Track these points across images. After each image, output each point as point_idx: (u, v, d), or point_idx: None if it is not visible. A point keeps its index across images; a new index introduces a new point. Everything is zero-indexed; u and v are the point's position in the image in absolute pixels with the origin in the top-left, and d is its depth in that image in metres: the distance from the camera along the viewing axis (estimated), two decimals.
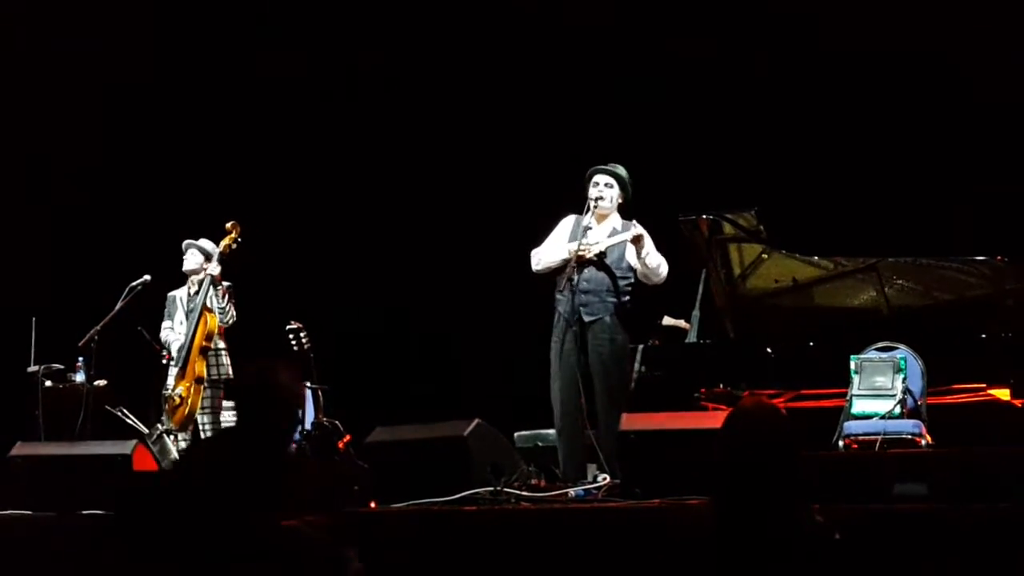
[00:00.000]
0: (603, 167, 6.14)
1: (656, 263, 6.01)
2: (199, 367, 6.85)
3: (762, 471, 2.79)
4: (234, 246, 7.02)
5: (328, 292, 8.69)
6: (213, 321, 6.90)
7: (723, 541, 2.80)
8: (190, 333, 6.87)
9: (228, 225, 7.04)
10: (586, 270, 6.00)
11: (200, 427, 6.92)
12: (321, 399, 7.22)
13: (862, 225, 7.54)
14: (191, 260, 7.09)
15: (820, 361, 6.27)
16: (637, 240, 5.94)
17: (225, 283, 7.04)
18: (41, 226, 8.90)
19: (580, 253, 5.95)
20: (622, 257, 6.06)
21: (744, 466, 2.81)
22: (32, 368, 7.71)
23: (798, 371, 6.28)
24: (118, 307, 7.21)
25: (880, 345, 6.11)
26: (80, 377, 7.65)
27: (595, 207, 6.06)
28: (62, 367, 7.78)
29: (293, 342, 7.18)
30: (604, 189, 6.11)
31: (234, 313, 7.01)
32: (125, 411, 7.66)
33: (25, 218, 8.87)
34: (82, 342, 7.28)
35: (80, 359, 7.61)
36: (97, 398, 7.50)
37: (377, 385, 8.39)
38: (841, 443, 5.82)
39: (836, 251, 6.61)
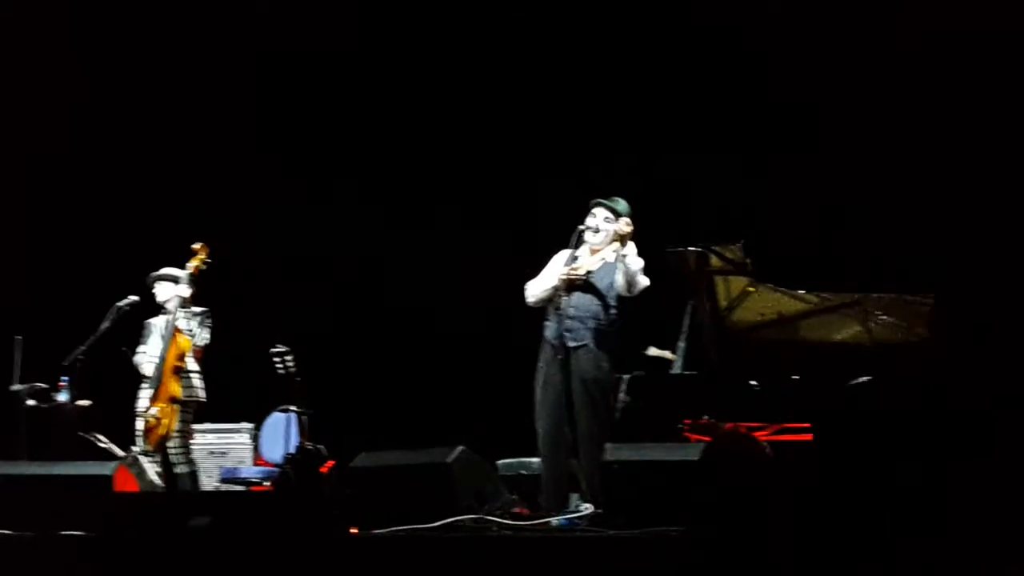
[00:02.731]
0: (605, 201, 6.15)
1: (636, 267, 5.99)
2: (173, 387, 6.85)
3: (740, 501, 2.81)
4: (203, 267, 7.03)
5: (313, 316, 8.69)
6: (185, 342, 6.91)
7: (702, 572, 2.82)
8: (162, 353, 6.87)
9: (196, 246, 7.07)
10: (574, 296, 6.02)
11: (170, 451, 6.89)
12: (305, 424, 7.21)
13: (847, 260, 7.58)
14: (162, 292, 7.11)
15: (805, 395, 6.28)
16: (623, 239, 5.94)
17: (199, 308, 7.05)
18: (26, 244, 8.88)
19: (565, 277, 5.98)
20: (611, 285, 6.08)
21: (722, 497, 2.84)
22: (15, 387, 7.67)
23: (783, 404, 6.30)
24: (104, 327, 7.20)
25: (863, 380, 6.13)
26: (64, 397, 7.62)
27: (587, 236, 6.08)
28: (46, 386, 7.75)
29: (279, 366, 7.17)
30: (602, 223, 6.12)
31: (206, 336, 7.02)
32: (99, 436, 7.64)
33: (9, 236, 8.85)
34: (66, 362, 7.25)
35: (64, 379, 7.58)
36: (80, 418, 7.47)
37: (362, 410, 8.38)
38: None
39: (821, 286, 6.64)
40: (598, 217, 6.14)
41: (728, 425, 6.27)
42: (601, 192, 6.25)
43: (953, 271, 7.01)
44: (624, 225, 5.97)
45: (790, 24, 7.95)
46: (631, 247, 5.99)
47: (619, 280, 6.02)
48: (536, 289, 6.19)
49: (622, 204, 6.15)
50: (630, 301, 6.14)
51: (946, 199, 7.60)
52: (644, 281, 6.04)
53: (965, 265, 7.24)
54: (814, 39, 7.89)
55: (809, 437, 6.21)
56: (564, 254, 6.22)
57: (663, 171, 8.12)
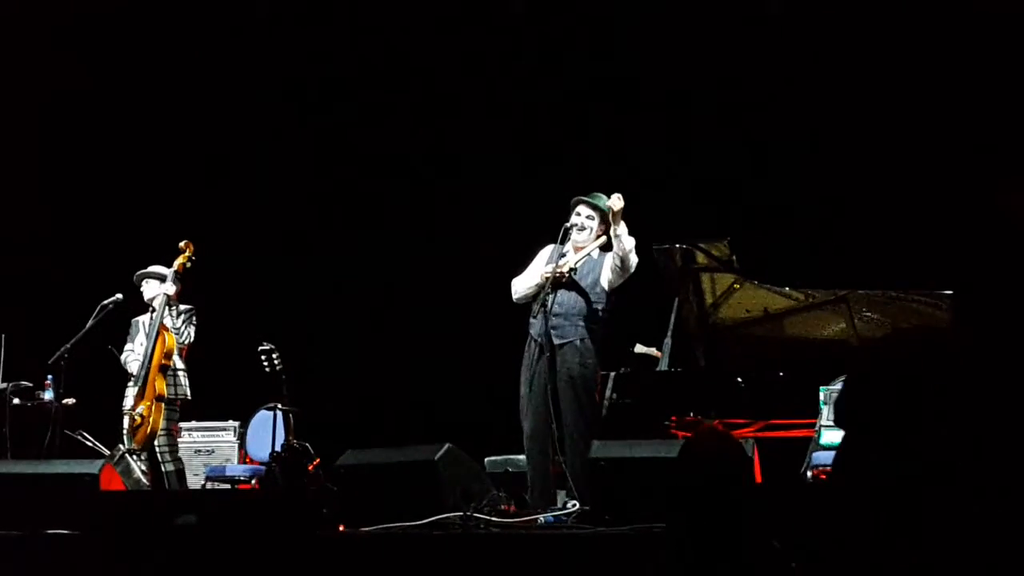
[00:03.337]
0: (586, 198, 6.16)
1: (630, 245, 5.98)
2: (159, 385, 6.83)
3: (716, 499, 2.81)
4: (188, 264, 7.03)
5: (301, 314, 8.68)
6: (171, 340, 6.89)
7: (680, 570, 2.82)
8: (148, 351, 6.86)
9: (182, 244, 7.06)
10: (559, 293, 6.03)
11: (157, 449, 6.87)
12: (292, 421, 7.20)
13: (833, 257, 7.61)
14: (149, 289, 7.10)
15: (789, 391, 6.31)
16: (615, 216, 5.94)
17: (185, 306, 7.04)
18: (10, 241, 8.85)
19: (550, 274, 5.99)
20: (597, 281, 6.10)
21: (698, 495, 2.83)
22: (0, 385, 7.65)
23: (768, 401, 6.32)
24: (89, 325, 7.18)
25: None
26: (49, 395, 7.61)
27: (572, 234, 6.10)
28: (31, 385, 7.73)
29: (265, 363, 7.16)
30: (585, 220, 6.14)
31: (191, 334, 7.00)
32: (85, 434, 7.61)
33: None
34: (51, 360, 7.23)
35: (49, 377, 7.56)
36: (65, 416, 7.45)
37: (348, 408, 8.38)
38: (809, 473, 5.86)
39: (807, 282, 6.67)
40: (581, 215, 6.16)
41: (715, 423, 6.28)
42: (585, 189, 6.26)
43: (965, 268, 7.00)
44: (617, 200, 5.96)
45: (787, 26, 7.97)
46: (623, 226, 5.97)
47: (611, 261, 6.00)
48: (521, 285, 6.20)
49: (603, 199, 6.16)
50: (616, 298, 6.15)
51: (937, 197, 7.63)
52: (635, 259, 6.03)
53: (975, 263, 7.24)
54: (810, 41, 7.92)
55: (795, 433, 6.24)
56: (549, 249, 6.23)
57: (650, 167, 8.14)
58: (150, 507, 5.59)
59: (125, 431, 6.93)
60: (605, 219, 6.13)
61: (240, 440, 8.25)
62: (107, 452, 7.37)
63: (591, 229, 6.14)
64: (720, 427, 5.47)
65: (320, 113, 9.04)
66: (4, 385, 7.65)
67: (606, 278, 6.08)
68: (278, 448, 7.06)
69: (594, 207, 6.14)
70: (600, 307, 6.09)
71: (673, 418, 6.37)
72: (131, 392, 6.93)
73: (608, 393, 6.39)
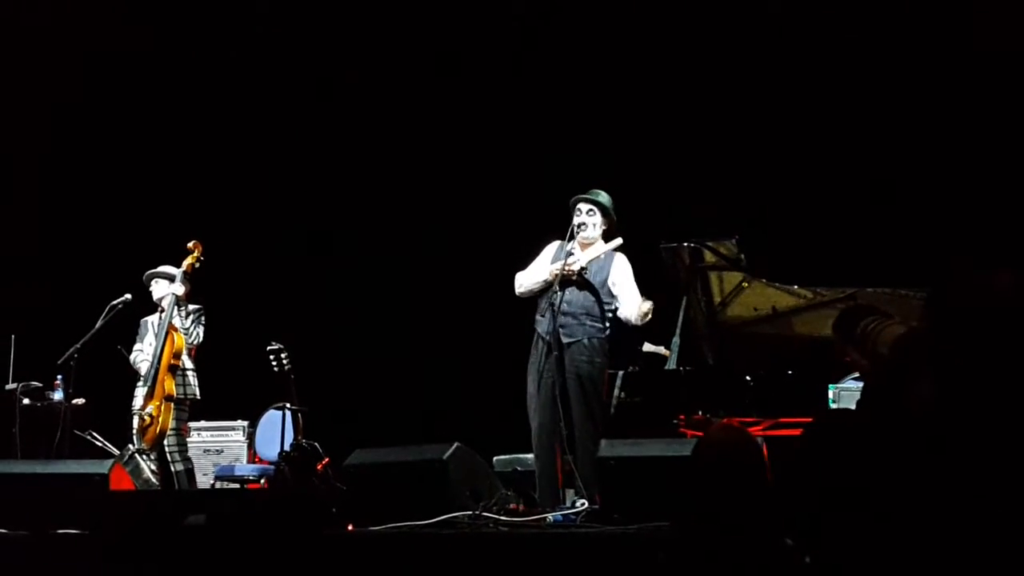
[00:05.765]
0: (584, 195, 6.18)
1: (646, 308, 6.03)
2: (168, 385, 6.85)
3: (731, 497, 2.80)
4: (197, 264, 7.05)
5: (309, 314, 8.69)
6: (180, 340, 6.91)
7: (693, 568, 2.81)
8: (158, 351, 6.87)
9: (190, 244, 7.08)
10: (568, 292, 6.03)
11: (166, 449, 6.88)
12: (301, 421, 7.21)
13: (841, 255, 7.60)
14: (158, 289, 7.12)
15: (798, 390, 6.30)
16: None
17: (193, 305, 7.05)
18: (20, 243, 8.87)
19: (559, 272, 5.99)
20: (605, 281, 6.10)
21: (713, 492, 2.82)
22: (10, 386, 7.68)
23: (777, 399, 6.31)
24: (98, 326, 7.20)
25: (858, 375, 6.14)
26: (58, 395, 7.63)
27: (578, 232, 6.11)
28: (40, 385, 7.76)
29: (274, 363, 7.18)
30: (587, 217, 6.16)
31: (200, 334, 7.01)
32: (94, 434, 7.64)
33: (2, 235, 8.85)
34: (61, 360, 7.25)
35: (58, 377, 7.58)
36: (75, 417, 7.47)
37: (357, 407, 8.39)
38: None
39: (815, 281, 6.66)
40: (583, 212, 6.17)
41: (723, 421, 6.27)
42: (593, 185, 6.26)
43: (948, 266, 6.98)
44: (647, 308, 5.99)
45: (789, 22, 7.96)
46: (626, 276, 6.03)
47: (615, 285, 6.06)
48: (526, 280, 6.20)
49: (603, 196, 6.19)
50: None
51: (942, 195, 7.62)
52: (638, 310, 6.07)
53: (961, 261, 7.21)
54: (816, 38, 7.90)
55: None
56: (555, 246, 6.23)
57: (656, 165, 8.13)
58: (159, 507, 5.59)
59: (134, 431, 6.95)
60: (608, 214, 6.15)
61: (249, 440, 8.27)
62: (116, 452, 7.39)
63: (594, 225, 6.15)
64: (736, 423, 5.47)
65: (326, 112, 9.05)
66: (14, 385, 7.68)
67: (615, 280, 6.08)
68: (287, 448, 7.08)
69: (595, 203, 6.15)
70: (608, 306, 6.10)
71: (681, 417, 6.36)
72: (140, 392, 6.95)
73: (616, 392, 6.38)
